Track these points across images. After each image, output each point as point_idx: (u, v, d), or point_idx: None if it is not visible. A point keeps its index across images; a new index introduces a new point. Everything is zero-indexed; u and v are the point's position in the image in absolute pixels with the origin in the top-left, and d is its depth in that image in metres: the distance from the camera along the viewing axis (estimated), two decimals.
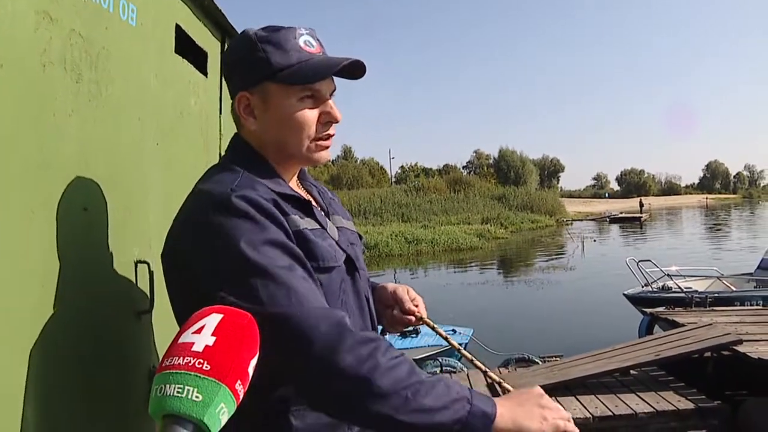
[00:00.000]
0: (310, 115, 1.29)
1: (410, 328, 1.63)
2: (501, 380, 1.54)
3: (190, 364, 0.73)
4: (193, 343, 0.75)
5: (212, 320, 0.79)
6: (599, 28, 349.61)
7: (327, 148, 1.35)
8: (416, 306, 1.60)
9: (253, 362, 0.80)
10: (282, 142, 1.31)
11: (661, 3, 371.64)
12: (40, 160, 1.20)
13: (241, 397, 0.76)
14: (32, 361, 1.15)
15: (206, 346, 0.75)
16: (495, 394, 5.90)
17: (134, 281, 1.61)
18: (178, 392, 0.71)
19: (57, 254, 1.25)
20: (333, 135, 1.35)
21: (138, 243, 1.64)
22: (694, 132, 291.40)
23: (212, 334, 0.77)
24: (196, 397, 0.71)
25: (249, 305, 1.03)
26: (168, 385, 0.72)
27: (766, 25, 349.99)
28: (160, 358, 1.66)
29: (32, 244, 1.18)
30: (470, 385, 6.42)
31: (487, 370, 1.59)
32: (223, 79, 1.37)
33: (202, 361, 0.73)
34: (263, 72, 1.26)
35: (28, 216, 1.16)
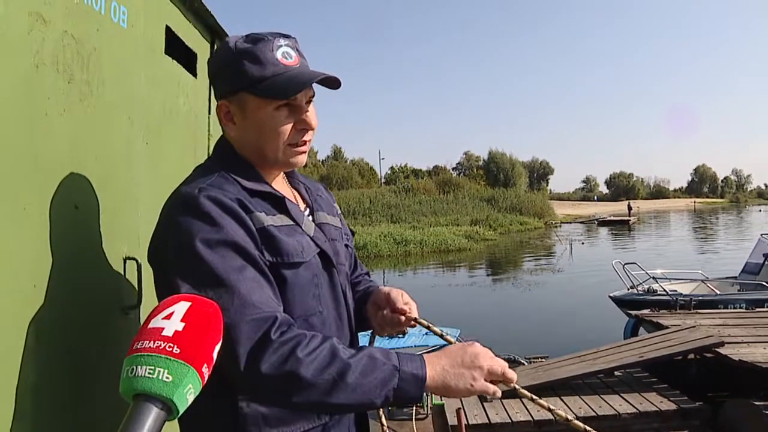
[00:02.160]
0: (286, 124, 1.35)
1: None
2: (444, 334, 1.59)
3: (160, 348, 0.77)
4: (163, 328, 0.79)
5: (181, 307, 0.83)
6: (589, 31, 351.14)
7: (303, 153, 1.41)
8: (408, 307, 1.61)
9: (217, 347, 0.84)
10: (259, 148, 1.37)
11: (650, 5, 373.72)
12: (32, 159, 1.23)
13: (206, 379, 0.80)
14: (23, 355, 1.18)
15: (176, 331, 0.79)
16: None
17: (123, 277, 1.64)
18: (149, 373, 0.74)
19: (48, 251, 1.28)
20: (309, 140, 1.41)
21: (127, 240, 1.67)
22: (688, 134, 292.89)
23: (181, 320, 0.81)
24: (167, 377, 0.74)
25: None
26: (139, 367, 0.75)
27: (757, 29, 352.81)
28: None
29: (24, 241, 1.21)
30: None
31: (444, 334, 1.61)
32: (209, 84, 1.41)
33: (172, 345, 0.77)
34: (241, 83, 1.32)
35: (20, 213, 1.19)
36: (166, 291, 1.19)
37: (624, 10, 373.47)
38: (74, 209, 1.40)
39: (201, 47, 2.39)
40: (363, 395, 1.16)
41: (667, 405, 5.50)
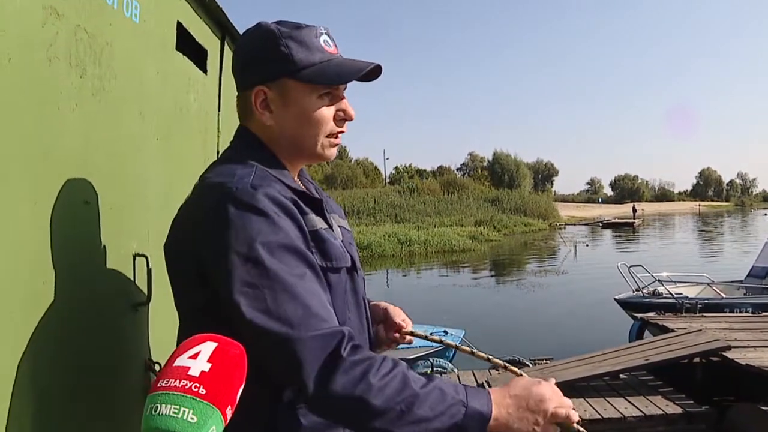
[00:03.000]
0: (327, 113, 1.31)
1: None
2: (505, 364, 1.55)
3: (186, 387, 0.77)
4: (190, 368, 0.79)
5: (207, 347, 0.83)
6: (595, 33, 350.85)
7: (338, 144, 1.37)
8: (403, 323, 1.59)
9: (241, 389, 0.84)
10: (298, 137, 1.32)
11: (658, 6, 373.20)
12: (43, 153, 1.22)
13: (228, 421, 0.80)
14: (31, 351, 1.17)
15: (202, 372, 0.79)
16: None
17: (132, 274, 1.63)
18: (174, 412, 0.74)
19: (58, 246, 1.27)
20: (344, 132, 1.37)
21: (137, 236, 1.66)
22: (693, 135, 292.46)
23: (208, 361, 0.81)
24: (191, 418, 0.74)
25: (253, 311, 1.09)
26: (163, 405, 0.75)
27: (761, 31, 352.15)
28: (154, 353, 1.69)
29: (34, 236, 1.20)
30: None
31: (491, 357, 1.59)
32: (232, 70, 1.37)
33: (198, 385, 0.77)
34: (284, 68, 1.26)
35: (30, 208, 1.18)
36: (196, 288, 1.17)
37: (630, 10, 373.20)
38: (84, 205, 1.39)
39: (211, 44, 2.38)
40: (428, 427, 1.12)
41: (672, 408, 5.49)
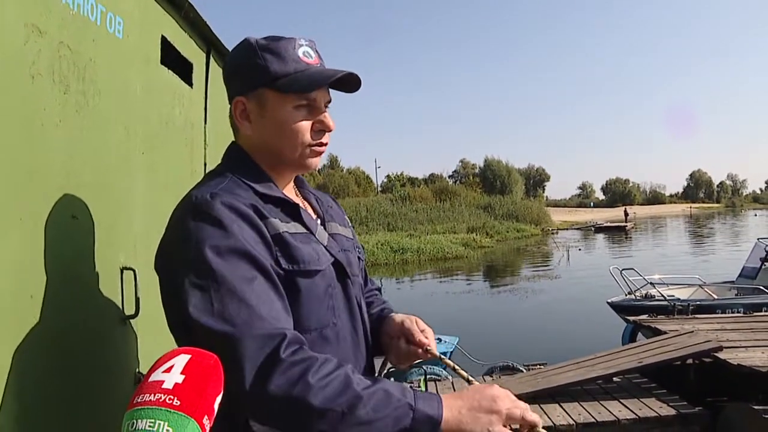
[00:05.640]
0: (304, 124, 1.33)
1: None
2: (470, 378, 1.50)
3: (160, 400, 0.77)
4: (163, 381, 0.80)
5: (181, 360, 0.84)
6: (584, 40, 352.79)
7: (319, 154, 1.38)
8: (426, 338, 1.50)
9: (218, 399, 0.84)
10: (276, 147, 1.34)
11: (647, 11, 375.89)
12: (28, 169, 1.23)
13: (207, 431, 0.81)
14: (19, 365, 1.18)
15: (176, 384, 0.80)
16: None
17: (120, 287, 1.64)
18: (149, 426, 0.75)
19: (46, 260, 1.28)
20: (326, 143, 1.38)
21: (124, 250, 1.67)
22: (683, 136, 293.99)
23: (181, 373, 0.81)
24: (167, 430, 0.75)
25: (199, 311, 1.11)
26: (139, 420, 0.76)
27: (753, 35, 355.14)
28: (143, 366, 1.69)
29: (21, 252, 1.21)
30: None
31: (470, 378, 1.51)
32: (224, 84, 1.40)
33: (172, 397, 0.78)
34: (261, 79, 1.30)
35: (16, 224, 1.19)
36: (173, 300, 1.17)
37: (616, 19, 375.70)
38: (71, 219, 1.40)
39: (197, 57, 2.39)
40: (370, 430, 1.10)
41: (666, 410, 5.50)
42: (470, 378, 1.51)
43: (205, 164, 2.44)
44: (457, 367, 1.55)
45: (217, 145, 2.45)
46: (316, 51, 1.37)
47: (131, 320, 1.67)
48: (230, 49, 1.41)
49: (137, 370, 1.73)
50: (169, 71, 2.09)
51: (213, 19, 2.34)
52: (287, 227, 1.29)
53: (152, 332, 1.75)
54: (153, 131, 1.94)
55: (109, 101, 1.59)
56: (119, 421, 1.57)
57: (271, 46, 1.31)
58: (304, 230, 1.34)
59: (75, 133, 1.42)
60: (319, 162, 1.41)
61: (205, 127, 2.51)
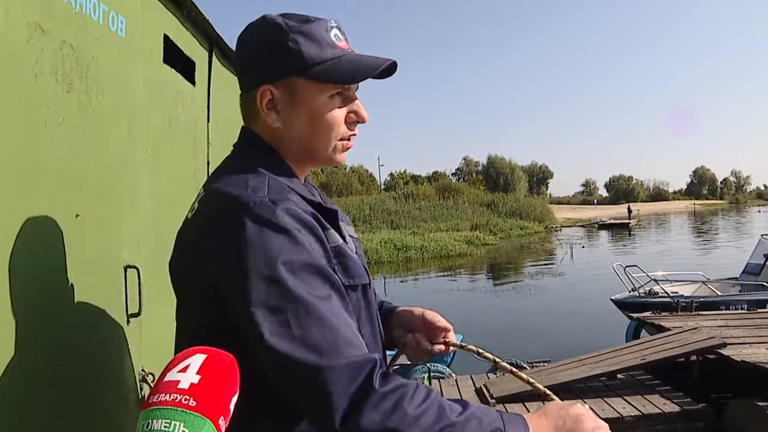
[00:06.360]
0: (339, 115, 1.21)
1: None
2: (546, 391, 1.45)
3: (176, 400, 0.77)
4: (179, 381, 0.79)
5: (197, 360, 0.83)
6: (587, 36, 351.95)
7: (350, 148, 1.27)
8: (449, 326, 1.48)
9: (234, 399, 0.84)
10: (308, 140, 1.21)
11: (646, 9, 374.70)
12: (32, 168, 1.24)
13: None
14: (23, 363, 1.18)
15: (192, 384, 0.79)
16: (484, 400, 5.77)
17: (124, 285, 1.64)
18: (165, 426, 0.75)
19: (50, 259, 1.28)
20: (356, 135, 1.27)
21: (127, 248, 1.67)
22: (686, 134, 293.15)
23: (197, 373, 0.81)
24: (183, 431, 0.75)
25: (275, 337, 1.00)
26: (155, 420, 0.75)
27: (754, 31, 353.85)
28: (146, 364, 1.70)
29: (25, 250, 1.21)
30: (458, 391, 6.46)
31: (533, 381, 1.47)
32: (235, 67, 1.31)
33: (188, 397, 0.77)
34: (294, 65, 1.16)
35: (20, 222, 1.20)
36: (209, 306, 1.09)
37: (619, 15, 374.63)
38: (74, 218, 1.40)
39: (199, 56, 2.40)
40: None
41: (670, 407, 5.48)
42: (514, 370, 1.47)
43: (208, 162, 2.44)
44: (481, 350, 1.51)
45: (220, 144, 2.45)
46: (345, 34, 1.24)
47: (135, 318, 1.68)
48: (234, 43, 1.29)
49: (141, 367, 1.73)
50: (172, 70, 2.09)
51: (215, 17, 2.34)
52: (339, 238, 1.20)
53: (156, 330, 1.76)
54: (156, 130, 1.94)
55: (112, 100, 1.59)
56: (123, 417, 1.59)
57: (303, 27, 1.16)
58: (342, 239, 1.22)
59: (78, 132, 1.42)
60: (345, 157, 1.29)
61: (208, 126, 2.52)
